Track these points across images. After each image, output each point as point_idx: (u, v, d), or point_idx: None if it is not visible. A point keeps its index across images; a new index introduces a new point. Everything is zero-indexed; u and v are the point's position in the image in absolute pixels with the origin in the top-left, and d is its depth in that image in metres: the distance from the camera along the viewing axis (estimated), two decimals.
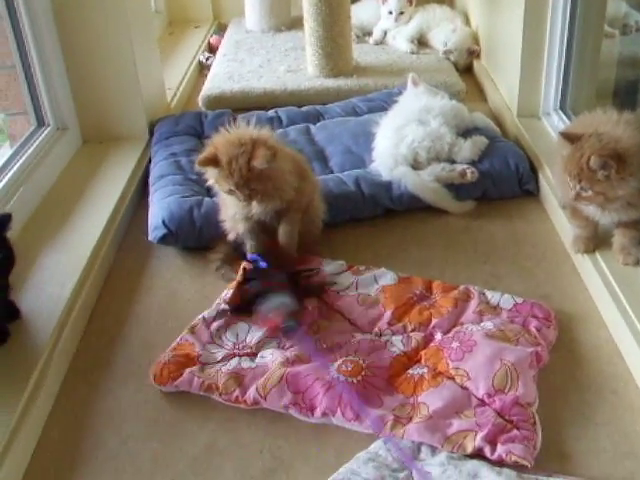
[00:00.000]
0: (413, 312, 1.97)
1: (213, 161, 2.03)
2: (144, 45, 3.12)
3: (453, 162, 2.53)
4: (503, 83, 3.27)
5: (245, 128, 2.11)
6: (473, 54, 3.84)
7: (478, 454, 1.55)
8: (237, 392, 1.73)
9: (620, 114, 2.00)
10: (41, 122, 2.83)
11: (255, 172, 1.99)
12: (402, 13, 4.10)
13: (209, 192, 2.46)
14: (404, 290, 2.05)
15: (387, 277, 2.11)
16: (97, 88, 2.95)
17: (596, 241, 2.10)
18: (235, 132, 2.08)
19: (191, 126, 3.02)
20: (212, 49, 4.35)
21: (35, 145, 2.68)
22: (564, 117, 2.80)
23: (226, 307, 2.01)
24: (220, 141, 2.06)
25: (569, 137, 1.99)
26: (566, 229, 2.24)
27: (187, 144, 2.85)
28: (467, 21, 4.13)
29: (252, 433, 1.66)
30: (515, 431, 1.57)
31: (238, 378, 1.76)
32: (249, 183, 2.01)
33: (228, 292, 2.06)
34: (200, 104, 3.47)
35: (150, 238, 2.34)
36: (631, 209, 1.97)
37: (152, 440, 1.66)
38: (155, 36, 3.51)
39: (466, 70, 3.85)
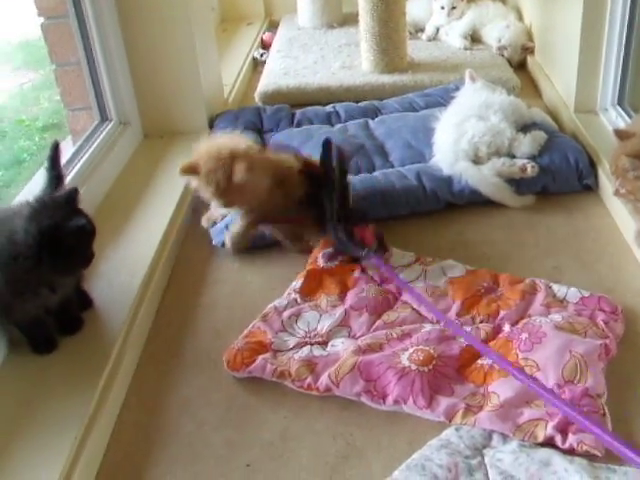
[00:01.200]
0: (481, 304, 1.99)
1: (193, 170, 2.09)
2: (204, 41, 3.16)
3: (513, 157, 2.55)
4: (559, 79, 3.27)
5: (228, 138, 2.17)
6: (527, 50, 3.84)
7: (549, 443, 1.57)
8: (309, 379, 1.76)
9: None
10: (104, 117, 2.89)
11: (233, 185, 2.05)
12: (454, 8, 4.11)
13: None
14: (472, 282, 2.07)
15: (455, 269, 2.13)
16: (158, 83, 3.01)
17: None
18: (217, 143, 2.13)
19: (251, 121, 3.08)
20: (265, 46, 4.40)
21: (99, 140, 2.74)
22: (622, 112, 2.80)
23: (297, 296, 2.06)
24: (202, 151, 2.10)
25: (619, 134, 2.00)
26: (627, 224, 2.24)
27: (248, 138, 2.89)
28: (520, 17, 4.13)
29: (325, 420, 1.69)
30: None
31: (310, 365, 1.80)
32: (226, 194, 2.09)
33: (298, 282, 2.11)
34: (257, 100, 3.51)
35: (214, 242, 2.39)
36: None
37: (226, 427, 1.70)
38: (212, 32, 3.56)
39: (519, 66, 3.84)
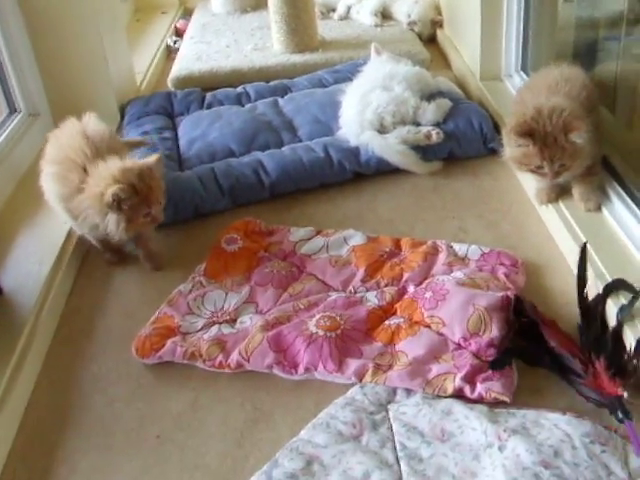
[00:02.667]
0: (385, 268, 2.03)
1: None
2: (111, 30, 3.16)
3: (418, 125, 2.59)
4: (466, 50, 3.33)
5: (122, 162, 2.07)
6: (436, 24, 3.90)
7: (458, 395, 1.61)
8: (220, 357, 1.77)
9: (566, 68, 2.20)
10: (12, 109, 2.86)
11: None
12: None
13: (181, 167, 2.51)
14: (374, 249, 2.11)
15: (356, 237, 2.17)
16: (67, 74, 2.99)
17: (558, 190, 2.16)
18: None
19: (161, 105, 3.08)
20: (179, 33, 4.38)
21: (7, 132, 2.71)
22: (526, 78, 2.86)
23: (202, 279, 2.07)
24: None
25: (528, 135, 2.03)
26: (530, 183, 2.30)
27: (158, 122, 2.92)
28: None
29: (233, 388, 1.72)
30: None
31: (220, 344, 1.81)
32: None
33: (202, 265, 2.11)
34: (169, 85, 3.51)
35: None
36: (586, 158, 2.05)
37: (137, 401, 1.72)
38: (122, 22, 3.54)
39: (430, 40, 3.91)
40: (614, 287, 1.75)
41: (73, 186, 2.02)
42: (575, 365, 1.61)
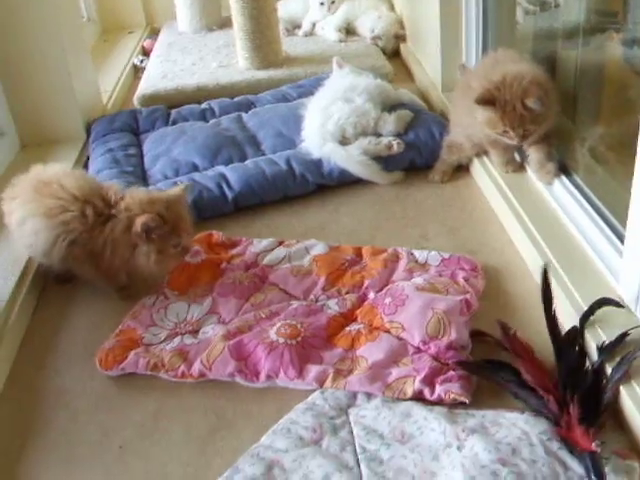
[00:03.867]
0: (345, 276, 2.05)
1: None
2: (76, 50, 3.18)
3: (380, 136, 2.61)
4: (428, 62, 3.38)
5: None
6: (399, 38, 3.95)
7: (418, 398, 1.63)
8: (183, 367, 1.78)
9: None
10: None
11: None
12: (333, 2, 4.19)
13: (145, 182, 2.53)
14: (335, 258, 2.13)
15: (318, 247, 2.19)
16: (32, 94, 3.00)
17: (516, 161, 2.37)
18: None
19: (127, 123, 3.10)
20: (146, 52, 4.40)
21: None
22: None
23: (165, 291, 2.08)
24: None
25: (487, 102, 2.13)
26: (491, 190, 2.35)
27: (123, 140, 2.93)
28: (392, 7, 4.24)
29: (196, 397, 1.73)
30: (451, 372, 1.66)
31: (182, 354, 1.82)
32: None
33: (165, 277, 2.12)
34: (136, 103, 3.51)
35: None
36: (544, 124, 2.18)
37: (100, 413, 1.72)
38: (87, 42, 3.57)
39: (394, 54, 3.95)
40: (595, 308, 1.69)
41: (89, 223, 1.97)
42: (550, 405, 1.51)
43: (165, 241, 1.96)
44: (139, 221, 1.90)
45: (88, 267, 2.03)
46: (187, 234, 2.02)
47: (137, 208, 1.94)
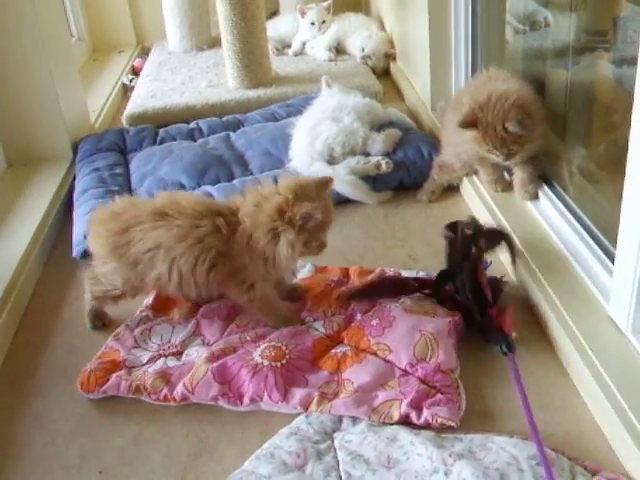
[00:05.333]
0: (332, 298, 2.02)
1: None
2: (64, 70, 3.17)
3: (368, 155, 2.60)
4: (417, 82, 3.38)
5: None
6: (389, 57, 3.96)
7: (405, 422, 1.60)
8: (165, 390, 1.74)
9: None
10: None
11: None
12: (324, 22, 4.21)
13: None
14: (322, 279, 2.10)
15: (304, 270, 2.17)
16: (18, 113, 2.99)
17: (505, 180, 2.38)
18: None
19: (114, 142, 3.08)
20: (136, 72, 4.40)
21: None
22: None
23: (149, 313, 2.04)
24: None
25: (469, 125, 2.14)
26: (479, 207, 2.33)
27: (110, 159, 2.91)
28: (382, 27, 4.24)
29: (178, 421, 1.69)
30: (439, 395, 1.63)
31: (165, 377, 1.78)
32: None
33: (149, 299, 2.09)
34: (124, 123, 3.51)
35: (74, 254, 2.35)
36: (528, 145, 2.19)
37: (79, 437, 1.68)
38: (77, 61, 3.56)
39: (384, 73, 3.96)
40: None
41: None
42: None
43: (314, 234, 1.80)
44: (302, 208, 1.73)
45: (236, 289, 1.89)
46: (328, 229, 1.87)
47: (288, 193, 1.77)
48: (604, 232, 1.92)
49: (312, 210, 1.74)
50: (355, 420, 1.62)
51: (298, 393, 1.69)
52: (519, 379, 1.62)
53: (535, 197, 2.23)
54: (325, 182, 1.86)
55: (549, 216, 2.15)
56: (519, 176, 2.26)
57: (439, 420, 1.57)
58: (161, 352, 1.90)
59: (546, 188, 2.24)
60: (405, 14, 3.57)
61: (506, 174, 2.38)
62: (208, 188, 2.56)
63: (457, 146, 2.37)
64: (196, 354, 1.86)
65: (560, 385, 1.68)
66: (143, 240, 1.81)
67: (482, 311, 1.83)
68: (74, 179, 2.88)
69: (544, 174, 2.29)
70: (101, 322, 2.06)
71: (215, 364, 1.76)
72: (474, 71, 2.91)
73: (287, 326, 1.90)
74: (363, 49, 3.96)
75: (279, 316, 1.93)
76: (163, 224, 1.80)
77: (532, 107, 2.17)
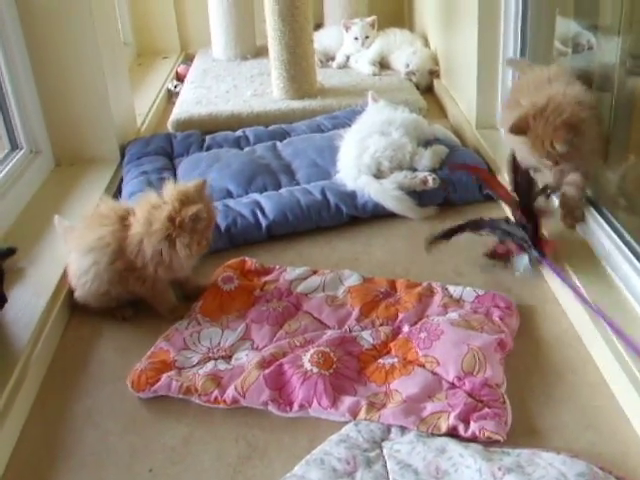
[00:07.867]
0: (380, 308, 2.04)
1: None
2: (114, 73, 3.21)
3: (415, 170, 2.62)
4: (462, 99, 3.39)
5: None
6: (434, 74, 3.97)
7: (452, 433, 1.61)
8: (216, 392, 1.77)
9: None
10: (14, 145, 2.90)
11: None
12: (367, 37, 4.25)
13: None
14: (369, 289, 2.12)
15: (352, 278, 2.18)
16: (69, 113, 3.04)
17: None
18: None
19: (161, 147, 3.12)
20: (180, 78, 4.44)
21: (7, 168, 2.74)
22: None
23: (198, 316, 2.08)
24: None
25: (520, 131, 2.14)
26: None
27: (158, 163, 2.95)
28: (426, 43, 4.27)
29: (227, 424, 1.71)
30: (486, 409, 1.64)
31: (216, 379, 1.81)
32: None
33: (198, 303, 2.12)
34: (169, 128, 3.54)
35: None
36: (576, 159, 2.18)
37: (130, 434, 1.71)
38: (125, 64, 3.60)
39: (427, 90, 3.97)
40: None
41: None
42: (529, 232, 2.15)
43: (204, 232, 1.99)
44: (189, 211, 1.92)
45: (133, 282, 2.06)
46: (212, 228, 2.08)
47: (175, 201, 1.95)
48: None
49: (197, 211, 1.92)
50: (404, 430, 1.63)
51: (347, 401, 1.71)
52: (559, 274, 2.02)
53: (581, 220, 2.20)
54: (201, 185, 2.04)
55: (593, 233, 2.14)
56: (564, 198, 2.22)
57: (486, 434, 1.59)
58: (210, 355, 1.93)
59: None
60: (452, 32, 3.59)
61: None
62: (256, 196, 2.60)
63: (512, 144, 2.36)
64: (246, 358, 1.89)
65: (606, 405, 1.69)
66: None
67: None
68: (121, 181, 2.93)
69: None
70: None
71: (267, 370, 1.79)
72: None
73: (172, 315, 2.09)
74: (408, 65, 3.98)
75: (167, 307, 2.12)
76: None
77: (585, 125, 2.14)
